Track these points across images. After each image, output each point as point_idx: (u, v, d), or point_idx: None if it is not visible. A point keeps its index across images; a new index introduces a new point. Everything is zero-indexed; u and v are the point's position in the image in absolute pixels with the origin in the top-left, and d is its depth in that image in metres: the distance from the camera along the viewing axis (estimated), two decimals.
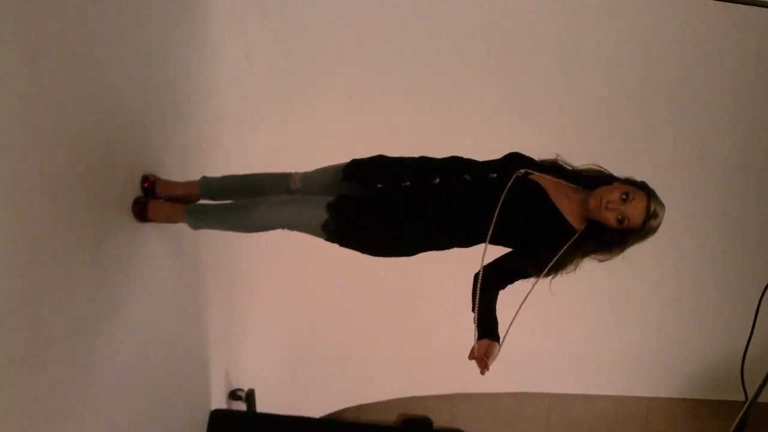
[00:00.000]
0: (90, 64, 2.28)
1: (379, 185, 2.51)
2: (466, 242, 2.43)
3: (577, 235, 2.34)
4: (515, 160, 2.48)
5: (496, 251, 2.42)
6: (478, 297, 2.31)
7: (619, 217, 2.24)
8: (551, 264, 2.31)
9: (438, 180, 2.46)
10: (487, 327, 2.27)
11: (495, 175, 2.44)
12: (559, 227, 2.37)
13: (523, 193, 2.37)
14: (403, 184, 2.48)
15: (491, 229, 2.31)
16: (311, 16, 4.75)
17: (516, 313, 2.32)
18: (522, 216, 2.36)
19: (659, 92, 5.10)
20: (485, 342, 2.23)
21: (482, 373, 2.19)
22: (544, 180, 2.42)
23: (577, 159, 2.50)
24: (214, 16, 3.75)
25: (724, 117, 5.18)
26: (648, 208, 2.25)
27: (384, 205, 2.43)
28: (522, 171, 2.40)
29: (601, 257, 2.38)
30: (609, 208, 2.24)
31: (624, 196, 2.24)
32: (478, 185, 2.43)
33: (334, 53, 4.84)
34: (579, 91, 5.07)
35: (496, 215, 2.31)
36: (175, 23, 3.19)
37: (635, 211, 2.24)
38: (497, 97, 5.04)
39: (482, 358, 2.19)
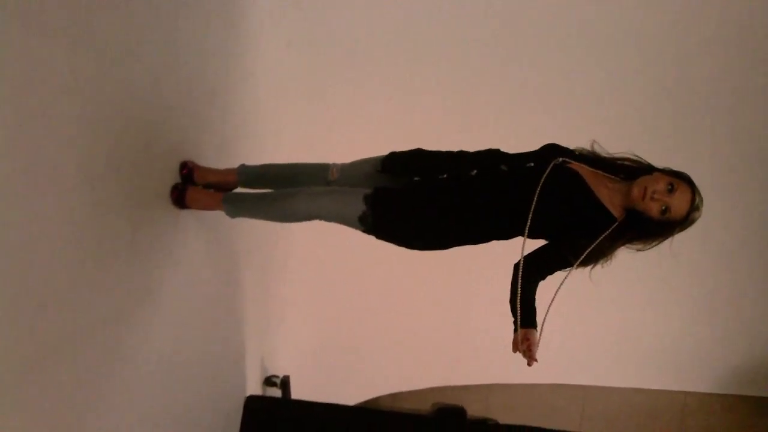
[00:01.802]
0: (132, 53, 2.30)
1: (417, 178, 2.50)
2: (504, 233, 2.40)
3: (617, 224, 2.30)
4: (552, 150, 2.45)
5: (535, 243, 2.39)
6: (519, 287, 2.29)
7: (663, 207, 2.21)
8: (591, 253, 2.28)
9: (475, 172, 2.43)
10: (526, 318, 2.26)
11: (532, 164, 2.41)
12: (598, 216, 2.33)
13: (562, 182, 2.33)
14: (440, 177, 2.46)
15: (530, 218, 2.28)
16: (351, 7, 4.74)
17: (552, 301, 2.29)
18: (561, 205, 2.33)
19: (698, 84, 4.99)
20: (523, 332, 2.22)
21: (529, 364, 2.17)
22: (582, 169, 2.38)
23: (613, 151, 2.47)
24: (255, 4, 3.76)
25: (765, 111, 5.06)
26: (693, 200, 2.22)
27: (421, 198, 2.41)
28: (560, 159, 2.37)
29: (639, 247, 2.34)
30: (654, 198, 2.21)
31: (670, 187, 2.21)
32: (515, 176, 2.40)
33: (373, 45, 4.83)
34: (618, 86, 4.99)
35: (534, 204, 2.28)
36: (216, 11, 3.20)
37: (680, 202, 2.21)
38: (537, 91, 4.99)
39: (527, 347, 2.18)
